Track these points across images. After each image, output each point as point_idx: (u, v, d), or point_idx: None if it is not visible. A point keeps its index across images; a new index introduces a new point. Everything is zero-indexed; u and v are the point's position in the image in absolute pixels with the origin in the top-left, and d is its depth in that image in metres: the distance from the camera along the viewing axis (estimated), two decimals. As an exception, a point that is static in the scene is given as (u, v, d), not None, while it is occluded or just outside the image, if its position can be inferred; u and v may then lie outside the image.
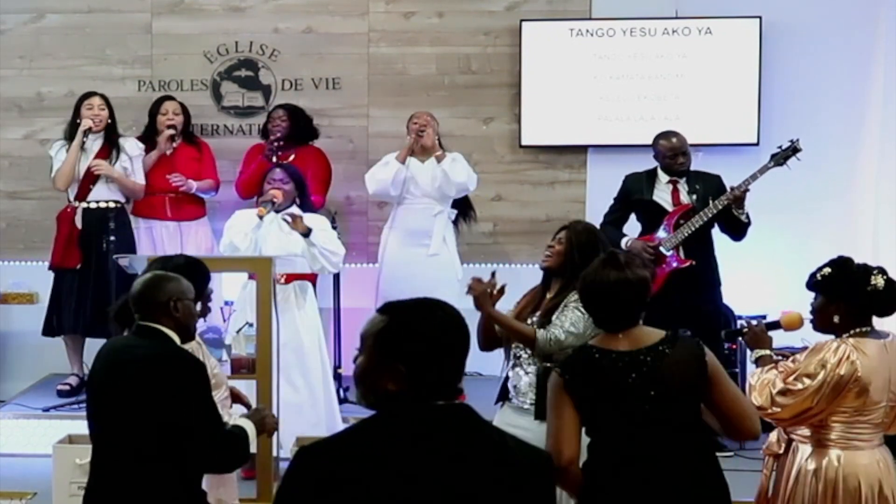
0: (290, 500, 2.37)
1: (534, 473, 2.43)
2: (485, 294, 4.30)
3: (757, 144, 7.51)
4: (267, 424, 3.94)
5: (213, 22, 7.84)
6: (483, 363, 6.80)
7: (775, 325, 4.24)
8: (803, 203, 7.30)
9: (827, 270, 4.00)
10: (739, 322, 4.24)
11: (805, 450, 3.93)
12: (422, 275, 6.41)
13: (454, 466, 2.34)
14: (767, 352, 4.10)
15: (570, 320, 4.18)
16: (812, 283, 4.03)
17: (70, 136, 7.01)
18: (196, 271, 4.15)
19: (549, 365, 4.08)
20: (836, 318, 3.93)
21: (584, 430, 3.49)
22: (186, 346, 3.82)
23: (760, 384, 3.94)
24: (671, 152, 6.44)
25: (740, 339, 4.29)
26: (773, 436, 4.10)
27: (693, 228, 6.33)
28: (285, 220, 6.08)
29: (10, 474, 6.09)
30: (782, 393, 3.86)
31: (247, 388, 5.27)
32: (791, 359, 4.00)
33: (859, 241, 7.51)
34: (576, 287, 4.22)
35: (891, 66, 7.44)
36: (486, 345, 4.47)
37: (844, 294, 3.93)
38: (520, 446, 2.48)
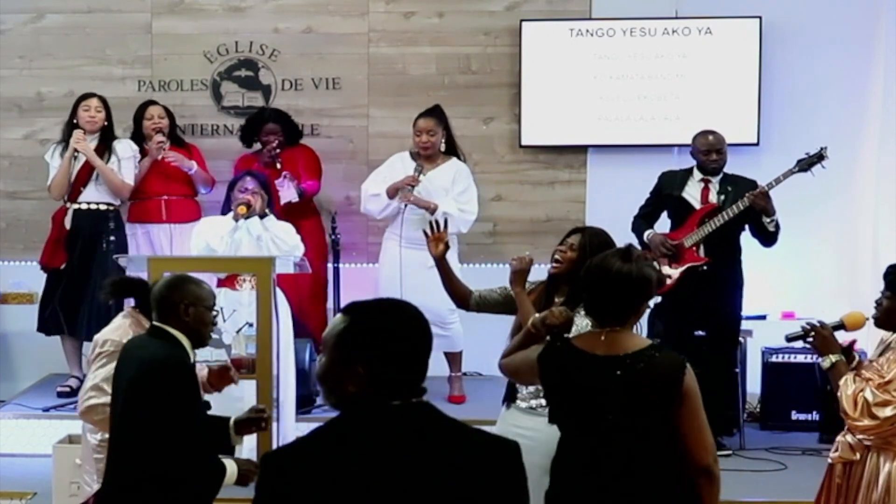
0: None
1: (502, 465, 2.43)
2: (523, 273, 4.34)
3: (757, 144, 7.52)
4: (249, 479, 3.81)
5: (213, 22, 7.84)
6: (483, 363, 6.86)
7: (839, 327, 4.11)
8: (803, 203, 7.29)
9: None
10: (801, 325, 4.10)
11: (887, 456, 3.86)
12: (420, 278, 6.39)
13: (418, 464, 2.34)
14: (840, 357, 3.97)
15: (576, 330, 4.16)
16: (891, 280, 3.95)
17: (66, 137, 7.00)
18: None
19: None
20: None
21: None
22: None
23: (851, 395, 3.83)
24: (706, 148, 6.46)
25: (805, 342, 4.11)
26: (843, 443, 3.99)
27: (714, 227, 6.33)
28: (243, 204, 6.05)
29: (10, 474, 6.09)
30: (881, 404, 3.78)
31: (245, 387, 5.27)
32: (872, 366, 3.92)
33: (859, 241, 7.51)
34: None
35: (891, 66, 7.43)
36: (459, 303, 4.70)
37: None
38: (485, 439, 2.47)
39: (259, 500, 2.38)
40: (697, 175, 6.52)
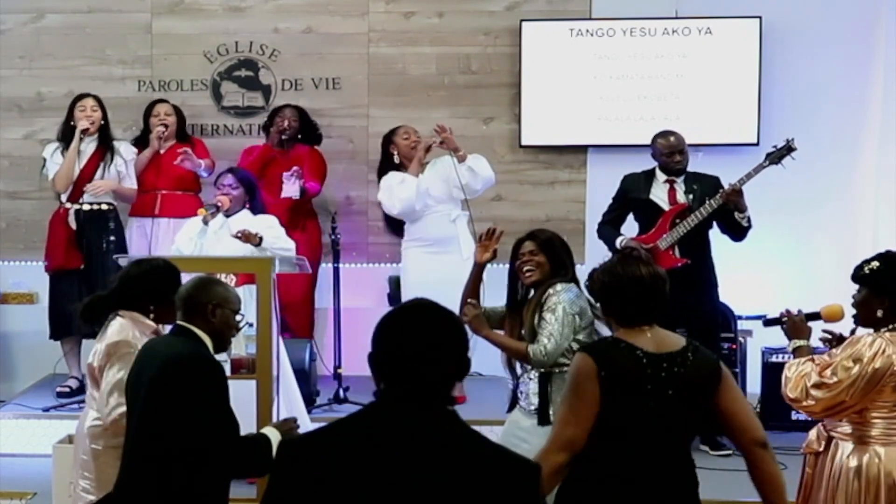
0: (275, 492, 2.43)
1: (518, 485, 2.39)
2: (478, 318, 4.41)
3: (757, 144, 7.51)
4: (293, 435, 3.81)
5: (213, 22, 7.84)
6: (483, 363, 6.84)
7: (815, 316, 4.18)
8: (803, 203, 7.30)
9: (875, 264, 3.97)
10: (780, 311, 4.21)
11: (846, 447, 3.89)
12: (447, 281, 6.33)
13: (426, 471, 2.33)
14: (805, 342, 4.06)
15: (549, 329, 4.22)
16: (858, 276, 3.99)
17: (63, 137, 7.01)
18: (165, 278, 4.13)
19: (554, 371, 4.22)
20: (879, 313, 3.90)
21: None
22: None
23: (796, 376, 3.91)
24: (668, 150, 6.44)
25: (779, 327, 4.22)
26: (812, 434, 4.06)
27: (688, 227, 6.33)
28: (237, 237, 5.92)
29: (10, 474, 6.09)
30: (817, 386, 3.84)
31: (245, 387, 5.25)
32: (828, 352, 3.97)
33: (859, 241, 7.51)
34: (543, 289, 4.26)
35: (891, 66, 7.44)
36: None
37: (893, 289, 3.90)
38: (505, 457, 2.43)
39: (273, 485, 2.42)
40: (662, 176, 6.50)
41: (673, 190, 6.46)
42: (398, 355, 2.42)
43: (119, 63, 7.83)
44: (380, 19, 7.82)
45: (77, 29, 7.84)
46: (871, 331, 3.92)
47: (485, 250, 4.67)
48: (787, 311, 4.18)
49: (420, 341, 2.42)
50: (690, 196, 6.40)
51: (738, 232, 6.41)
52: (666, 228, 6.37)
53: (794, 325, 4.11)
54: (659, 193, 6.47)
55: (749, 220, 6.36)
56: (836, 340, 4.09)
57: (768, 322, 4.47)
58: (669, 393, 3.36)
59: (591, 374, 3.36)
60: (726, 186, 6.34)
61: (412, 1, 7.81)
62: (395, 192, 6.82)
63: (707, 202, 6.31)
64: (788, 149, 6.40)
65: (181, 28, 7.83)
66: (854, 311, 4.02)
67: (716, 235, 6.52)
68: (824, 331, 4.15)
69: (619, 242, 6.41)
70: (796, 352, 4.05)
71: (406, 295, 6.81)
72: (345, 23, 7.81)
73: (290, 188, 7.02)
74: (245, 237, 5.90)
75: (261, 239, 5.95)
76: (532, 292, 4.43)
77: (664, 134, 6.53)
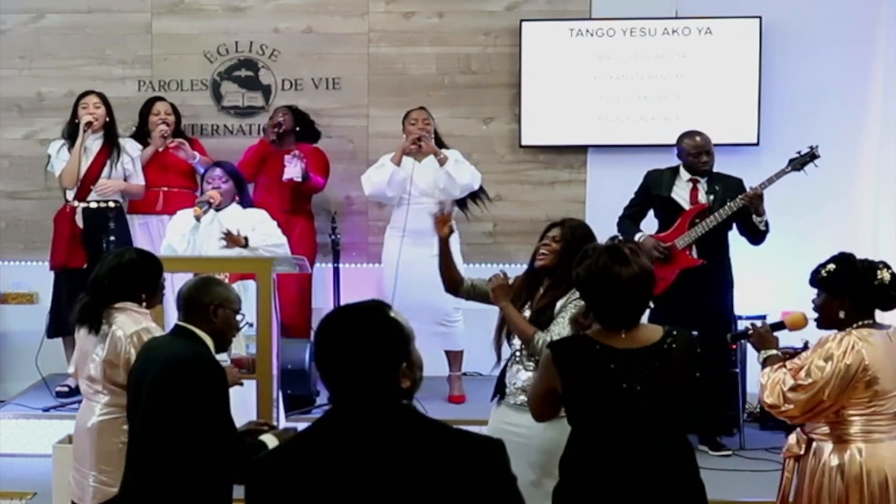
0: None
1: (485, 466, 2.40)
2: (502, 287, 4.39)
3: (757, 144, 7.52)
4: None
5: (213, 22, 7.84)
6: (483, 363, 6.86)
7: (779, 326, 4.23)
8: (803, 204, 7.29)
9: (832, 267, 4.02)
10: (742, 324, 4.24)
11: (826, 447, 3.92)
12: (423, 274, 6.39)
13: (395, 467, 2.34)
14: (775, 352, 4.09)
15: (564, 323, 4.20)
16: (816, 280, 4.04)
17: (68, 135, 7.02)
18: (149, 265, 4.15)
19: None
20: (841, 314, 3.95)
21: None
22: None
23: (771, 383, 3.94)
24: (695, 150, 6.43)
25: (745, 341, 4.27)
26: (791, 438, 4.09)
27: (707, 228, 6.33)
28: (223, 239, 5.91)
29: (10, 474, 6.10)
30: (793, 389, 3.87)
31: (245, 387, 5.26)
32: (798, 356, 4.01)
33: (859, 242, 7.50)
34: (568, 284, 4.25)
35: (891, 66, 7.44)
36: (450, 288, 4.69)
37: (851, 289, 3.94)
38: (468, 440, 2.44)
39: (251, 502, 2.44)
40: (685, 175, 6.50)
41: (695, 189, 6.45)
42: (323, 359, 2.44)
43: (119, 63, 7.83)
44: (380, 19, 7.83)
45: (77, 29, 7.84)
46: (836, 331, 3.95)
47: (443, 226, 4.72)
48: (752, 324, 4.22)
49: (344, 343, 2.42)
50: (711, 197, 6.40)
51: (755, 235, 6.41)
52: (685, 228, 6.38)
53: (761, 336, 4.14)
54: (681, 192, 6.47)
55: (766, 225, 6.36)
56: (788, 355, 4.12)
57: (735, 337, 4.61)
58: (637, 388, 3.37)
59: (549, 363, 3.48)
60: (748, 189, 6.34)
61: (412, 1, 7.81)
62: (371, 174, 6.96)
63: (727, 204, 6.31)
64: (812, 156, 6.40)
65: (181, 28, 7.83)
66: (816, 315, 4.06)
67: (734, 237, 6.51)
68: (784, 351, 4.18)
69: (637, 239, 6.42)
70: (767, 361, 4.08)
71: (383, 285, 6.93)
72: (345, 23, 7.81)
73: (292, 170, 6.99)
74: (231, 241, 5.88)
75: (246, 240, 5.94)
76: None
77: (691, 134, 6.52)
